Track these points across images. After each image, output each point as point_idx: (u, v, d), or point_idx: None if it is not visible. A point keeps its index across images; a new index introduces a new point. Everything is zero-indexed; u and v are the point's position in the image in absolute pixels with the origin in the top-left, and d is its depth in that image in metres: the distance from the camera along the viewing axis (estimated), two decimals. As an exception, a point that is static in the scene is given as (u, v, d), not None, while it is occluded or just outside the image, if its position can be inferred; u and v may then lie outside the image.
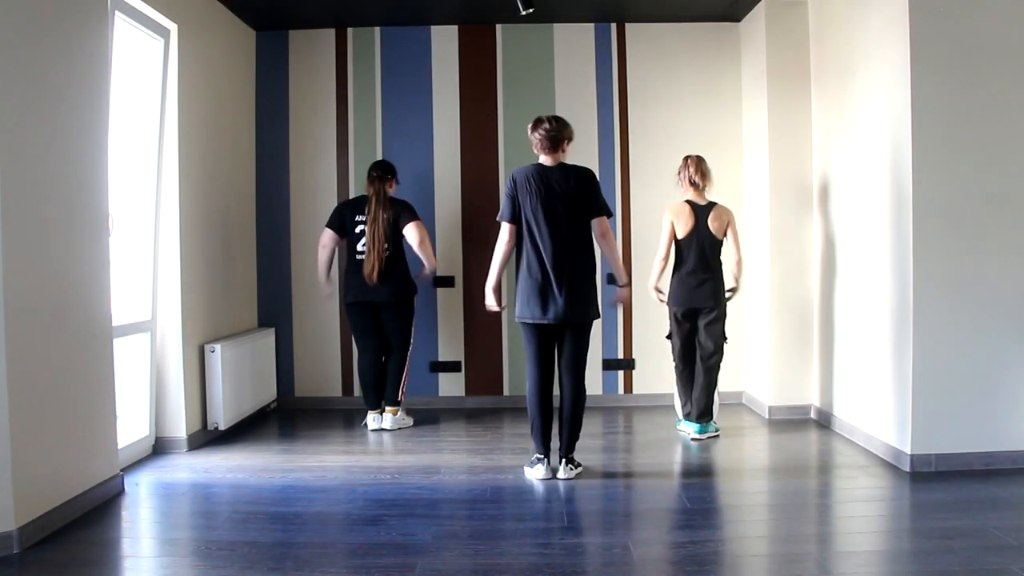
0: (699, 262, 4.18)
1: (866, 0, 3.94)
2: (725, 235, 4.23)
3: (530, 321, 3.52)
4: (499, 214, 3.60)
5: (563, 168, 3.53)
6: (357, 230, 4.43)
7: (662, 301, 4.26)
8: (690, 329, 4.28)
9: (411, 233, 4.40)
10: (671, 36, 5.16)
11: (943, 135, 3.52)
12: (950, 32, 3.51)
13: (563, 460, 3.58)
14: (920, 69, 3.50)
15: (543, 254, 3.47)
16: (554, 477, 3.53)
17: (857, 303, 4.12)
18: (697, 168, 4.23)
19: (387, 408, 4.56)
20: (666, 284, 4.32)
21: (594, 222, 3.54)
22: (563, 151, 3.55)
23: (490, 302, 3.65)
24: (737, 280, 4.34)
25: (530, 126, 3.57)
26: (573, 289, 3.48)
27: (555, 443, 3.65)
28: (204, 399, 4.30)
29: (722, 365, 4.28)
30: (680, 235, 4.19)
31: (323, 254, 4.56)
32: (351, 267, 4.49)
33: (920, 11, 3.50)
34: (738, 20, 5.13)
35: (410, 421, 4.68)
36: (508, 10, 4.51)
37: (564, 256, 3.47)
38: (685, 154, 4.37)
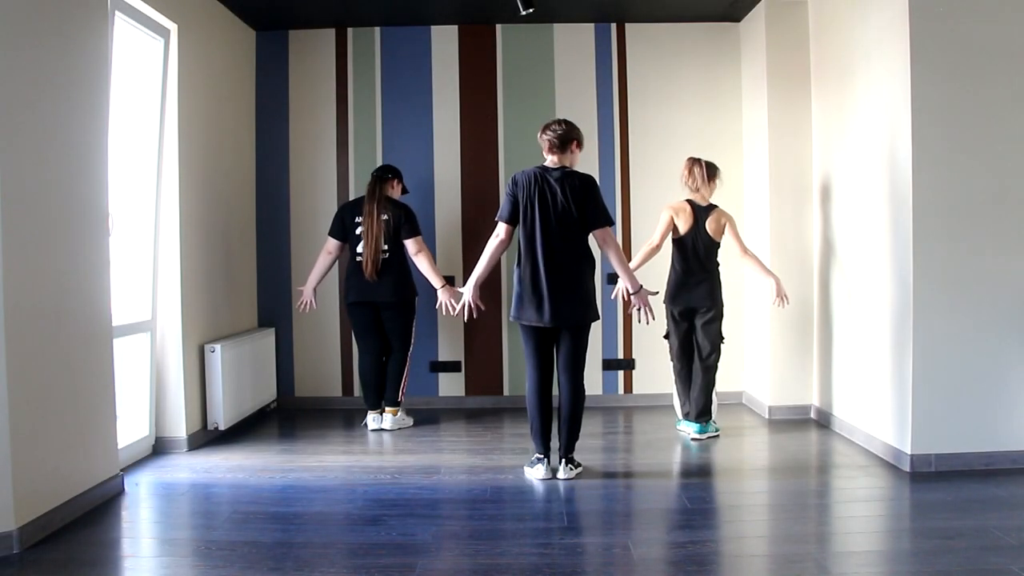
0: (696, 262, 4.20)
1: (866, 0, 3.94)
2: (722, 237, 4.24)
3: (525, 323, 3.53)
4: (498, 213, 3.60)
5: (565, 172, 3.53)
6: (357, 231, 4.42)
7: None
8: (687, 329, 4.29)
9: (409, 247, 4.41)
10: (671, 36, 5.16)
11: (943, 135, 3.52)
12: (950, 32, 3.51)
13: (563, 460, 3.58)
14: (920, 69, 3.50)
15: (539, 255, 3.46)
16: (554, 477, 3.54)
17: (857, 303, 4.12)
18: (689, 172, 4.22)
19: (387, 408, 4.56)
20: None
21: (596, 233, 3.53)
22: (571, 152, 3.56)
23: (468, 294, 3.61)
24: (766, 271, 4.29)
25: (539, 131, 3.59)
26: (568, 291, 3.47)
27: (555, 443, 3.65)
28: (204, 399, 4.30)
29: (720, 365, 4.28)
30: (680, 232, 4.20)
31: (323, 260, 4.53)
32: (352, 268, 4.48)
33: (920, 11, 3.50)
34: (738, 20, 5.13)
35: (410, 421, 4.68)
36: (508, 10, 4.52)
37: (559, 258, 3.46)
38: (684, 158, 4.37)
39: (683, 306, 4.24)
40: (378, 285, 4.39)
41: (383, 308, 4.48)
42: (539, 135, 3.59)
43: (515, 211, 3.54)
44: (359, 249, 4.41)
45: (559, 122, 3.57)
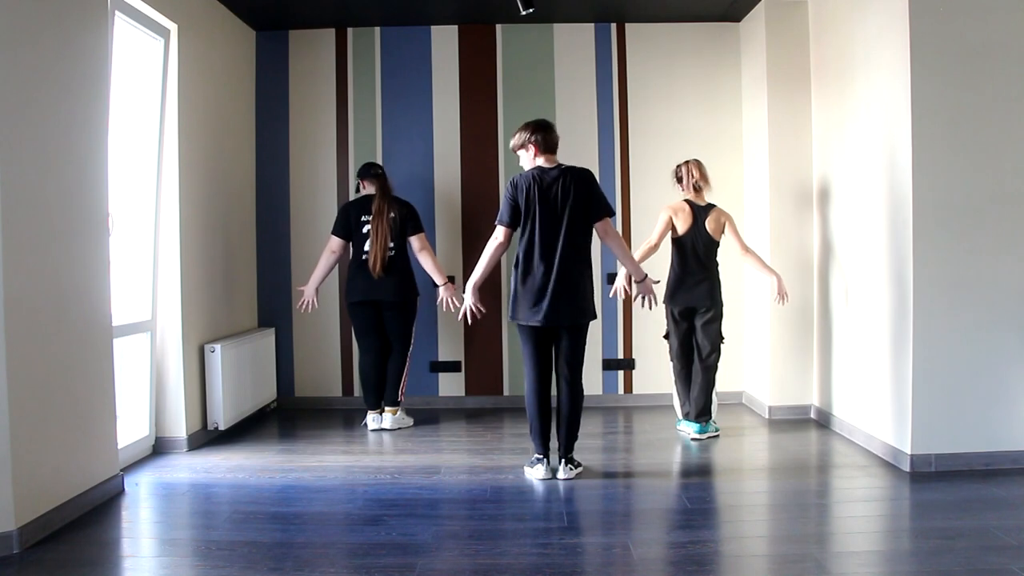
0: (696, 262, 4.20)
1: (866, 0, 3.94)
2: (722, 236, 4.25)
3: (524, 323, 3.53)
4: (497, 216, 3.60)
5: (562, 169, 3.53)
6: (364, 230, 4.43)
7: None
8: (687, 329, 4.29)
9: (413, 244, 4.44)
10: (671, 36, 5.16)
11: (943, 135, 3.52)
12: (950, 32, 3.51)
13: (563, 460, 3.58)
14: (920, 69, 3.50)
15: (538, 256, 3.46)
16: (554, 477, 3.54)
17: (857, 303, 4.12)
18: (701, 173, 4.24)
19: (387, 408, 4.56)
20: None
21: (597, 225, 3.54)
22: (556, 150, 3.58)
23: (468, 300, 3.62)
24: (767, 268, 4.32)
25: (523, 132, 3.56)
26: (567, 291, 3.47)
27: (555, 443, 3.65)
28: (204, 399, 4.30)
29: (720, 365, 4.29)
30: (679, 232, 4.21)
31: (327, 259, 4.51)
32: (355, 267, 4.47)
33: (920, 11, 3.50)
34: (738, 20, 5.13)
35: (410, 421, 4.68)
36: (508, 10, 4.52)
37: (559, 259, 3.46)
38: (684, 158, 4.40)
39: (683, 306, 4.25)
40: (382, 284, 4.39)
41: (385, 307, 4.48)
42: (525, 137, 3.55)
43: (515, 214, 3.53)
44: (365, 247, 4.41)
45: (542, 122, 3.57)
